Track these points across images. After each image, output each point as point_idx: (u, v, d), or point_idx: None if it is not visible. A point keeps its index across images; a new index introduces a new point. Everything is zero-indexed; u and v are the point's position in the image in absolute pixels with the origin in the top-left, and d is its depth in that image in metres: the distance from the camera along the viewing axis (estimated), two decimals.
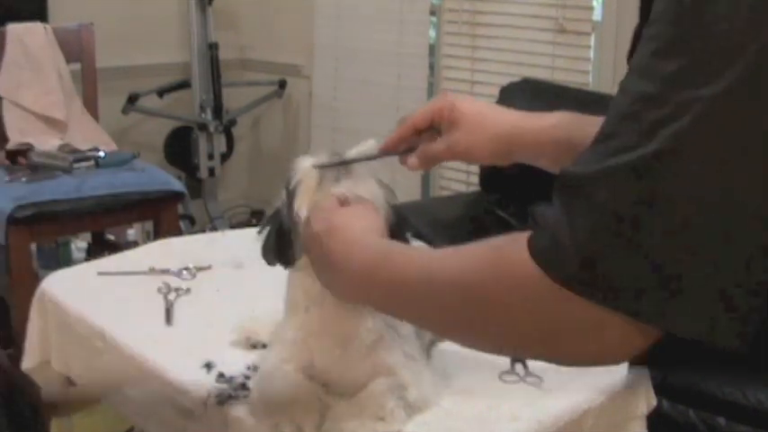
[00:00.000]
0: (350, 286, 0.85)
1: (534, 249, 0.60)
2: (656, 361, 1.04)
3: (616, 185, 0.56)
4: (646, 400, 1.21)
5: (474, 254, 0.68)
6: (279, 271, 1.06)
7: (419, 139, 1.03)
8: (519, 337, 0.65)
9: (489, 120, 1.00)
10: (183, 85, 3.60)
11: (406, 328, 1.07)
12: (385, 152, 1.03)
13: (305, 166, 0.99)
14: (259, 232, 1.06)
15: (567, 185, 0.59)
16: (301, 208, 0.96)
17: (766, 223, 0.53)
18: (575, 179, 0.59)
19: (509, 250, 0.63)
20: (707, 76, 0.53)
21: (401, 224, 1.01)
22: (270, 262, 1.04)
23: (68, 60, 2.80)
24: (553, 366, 1.14)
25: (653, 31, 0.57)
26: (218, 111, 3.57)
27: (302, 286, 1.02)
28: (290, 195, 0.99)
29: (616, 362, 0.63)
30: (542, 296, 0.60)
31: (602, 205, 0.56)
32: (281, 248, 1.02)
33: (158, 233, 2.51)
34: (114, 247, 2.72)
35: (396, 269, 0.78)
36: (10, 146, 2.56)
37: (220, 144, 3.67)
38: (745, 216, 0.53)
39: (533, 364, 1.17)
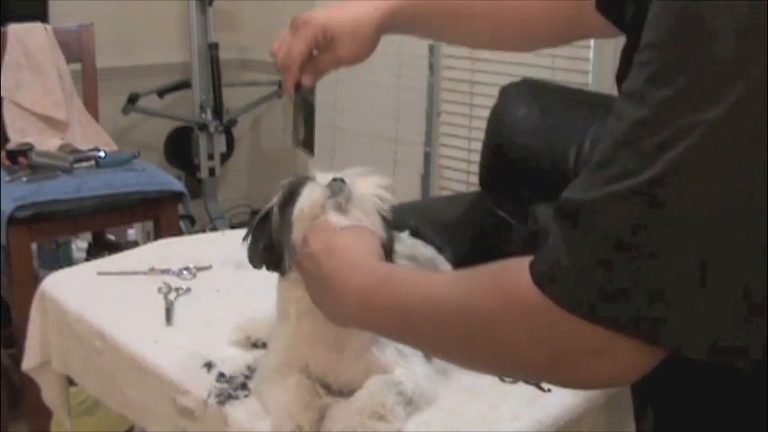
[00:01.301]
0: (347, 308, 0.84)
1: (538, 278, 0.60)
2: None
3: (618, 211, 0.56)
4: None
5: (478, 283, 0.69)
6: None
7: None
8: (527, 364, 0.65)
9: (363, 23, 1.05)
10: (183, 85, 3.60)
11: None
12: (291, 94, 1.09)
13: (314, 196, 0.97)
14: (245, 238, 1.06)
15: (566, 212, 0.59)
16: (299, 238, 0.95)
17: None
18: (573, 206, 0.58)
19: (513, 279, 0.63)
20: (706, 100, 0.53)
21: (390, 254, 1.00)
22: (256, 266, 1.05)
23: (68, 60, 2.80)
24: None
25: (645, 57, 0.57)
26: (218, 111, 3.57)
27: (293, 297, 1.02)
28: (287, 216, 0.98)
29: (625, 382, 0.63)
30: (550, 324, 0.60)
31: (604, 232, 0.56)
32: (270, 260, 1.03)
33: (158, 233, 2.51)
34: (114, 247, 2.72)
35: (396, 293, 0.77)
36: (10, 146, 2.56)
37: (220, 144, 3.66)
38: (748, 235, 0.53)
39: None
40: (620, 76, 0.63)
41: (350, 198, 0.97)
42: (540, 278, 0.60)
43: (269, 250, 1.02)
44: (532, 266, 0.61)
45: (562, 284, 0.59)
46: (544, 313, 0.60)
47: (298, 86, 1.04)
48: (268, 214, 1.03)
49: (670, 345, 0.56)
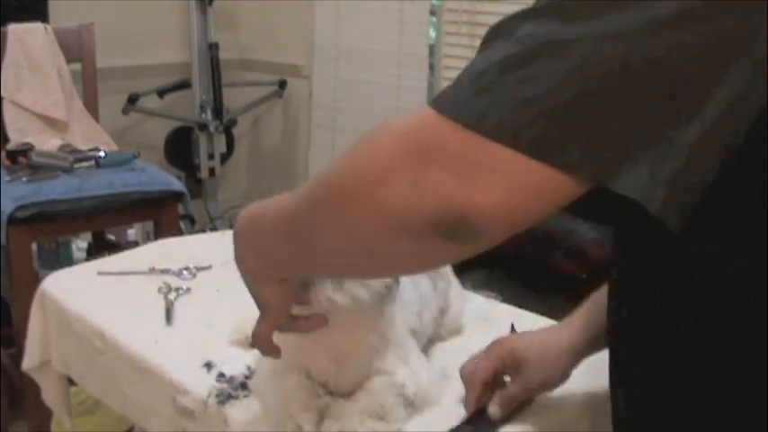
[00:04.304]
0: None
1: (433, 102, 0.58)
2: None
3: (533, 23, 0.55)
4: None
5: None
6: None
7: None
8: (410, 193, 0.57)
9: (552, 347, 1.02)
10: (183, 85, 3.60)
11: (398, 335, 1.06)
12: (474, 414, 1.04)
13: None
14: None
15: (489, 32, 0.58)
16: None
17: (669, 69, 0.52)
18: (497, 24, 0.58)
19: (395, 119, 0.61)
20: None
21: None
22: None
23: (68, 60, 2.80)
24: None
25: None
26: (218, 111, 3.57)
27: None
28: None
29: (492, 216, 0.55)
30: (419, 122, 0.57)
31: (511, 41, 0.55)
32: None
33: (158, 233, 2.51)
34: (114, 247, 2.72)
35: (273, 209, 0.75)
36: (10, 146, 2.56)
37: (220, 144, 3.67)
38: (649, 59, 0.52)
39: None
40: None
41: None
42: (435, 100, 0.57)
43: None
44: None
45: (452, 91, 0.56)
46: (430, 126, 0.56)
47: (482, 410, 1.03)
48: None
49: (560, 162, 0.53)
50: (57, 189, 2.34)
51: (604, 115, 0.52)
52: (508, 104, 0.54)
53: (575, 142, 0.53)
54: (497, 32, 0.58)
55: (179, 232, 2.63)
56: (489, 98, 0.54)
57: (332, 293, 0.92)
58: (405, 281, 1.09)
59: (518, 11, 0.57)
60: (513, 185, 0.54)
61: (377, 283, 0.96)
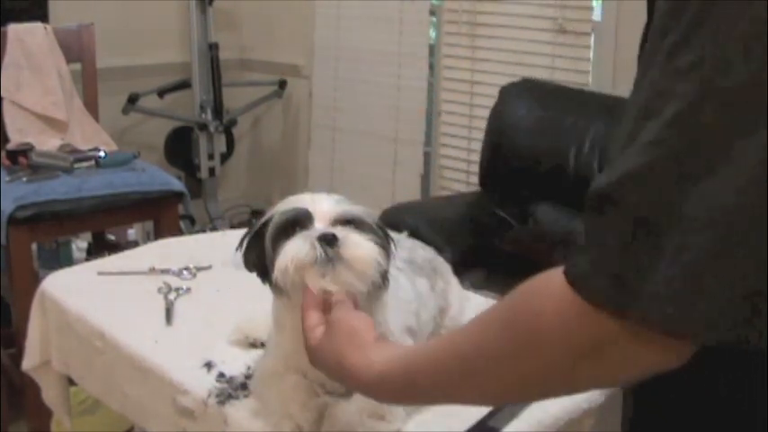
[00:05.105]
0: (362, 386, 0.83)
1: (569, 276, 0.58)
2: None
3: (637, 189, 0.53)
4: None
5: (494, 310, 0.67)
6: None
7: None
8: (564, 373, 0.61)
9: None
10: (183, 85, 3.60)
11: (394, 334, 1.06)
12: None
13: (300, 255, 0.92)
14: (238, 247, 1.04)
15: (591, 203, 0.56)
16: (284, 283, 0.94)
17: None
18: (596, 194, 0.56)
19: (537, 285, 0.62)
20: (727, 66, 0.50)
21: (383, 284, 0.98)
22: (249, 270, 1.03)
23: (68, 60, 2.79)
24: None
25: (659, 25, 0.55)
26: (218, 111, 3.57)
27: (289, 315, 1.00)
28: (277, 250, 0.94)
29: (667, 367, 0.59)
30: (577, 321, 0.57)
31: (624, 215, 0.53)
32: (262, 273, 1.01)
33: (158, 233, 2.51)
34: (114, 247, 2.72)
35: (426, 366, 0.75)
36: (10, 146, 2.56)
37: (220, 144, 3.67)
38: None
39: None
40: (641, 55, 0.61)
41: (339, 260, 0.93)
42: (572, 277, 0.57)
43: (261, 266, 1.00)
44: (565, 268, 0.59)
45: (590, 279, 0.56)
46: (572, 312, 0.57)
47: None
48: (264, 227, 0.99)
49: (686, 332, 0.53)
50: (57, 189, 2.34)
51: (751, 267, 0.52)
52: (650, 285, 0.53)
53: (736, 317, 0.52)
54: (598, 207, 0.55)
55: (179, 232, 2.63)
56: (647, 296, 0.53)
57: (325, 283, 0.92)
58: (402, 280, 1.10)
59: (621, 174, 0.54)
60: (683, 350, 0.57)
61: (371, 275, 0.95)
